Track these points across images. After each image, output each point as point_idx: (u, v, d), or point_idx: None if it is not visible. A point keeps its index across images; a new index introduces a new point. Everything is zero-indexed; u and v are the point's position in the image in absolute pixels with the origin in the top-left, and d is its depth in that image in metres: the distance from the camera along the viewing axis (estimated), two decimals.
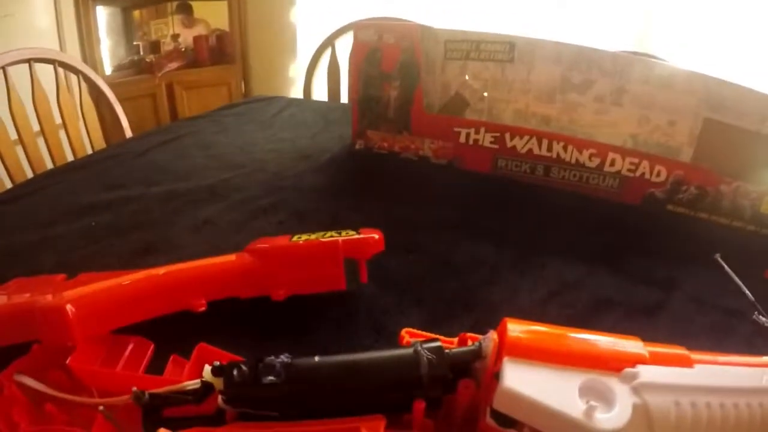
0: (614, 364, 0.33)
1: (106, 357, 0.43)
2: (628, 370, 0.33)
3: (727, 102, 0.62)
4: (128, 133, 1.31)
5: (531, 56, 0.71)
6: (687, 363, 0.34)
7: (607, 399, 0.31)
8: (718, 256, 0.52)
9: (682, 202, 0.67)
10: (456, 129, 0.78)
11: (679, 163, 0.65)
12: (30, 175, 1.11)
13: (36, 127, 1.21)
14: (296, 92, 2.51)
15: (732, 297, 0.49)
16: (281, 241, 0.50)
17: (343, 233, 0.50)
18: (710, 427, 0.31)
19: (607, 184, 0.71)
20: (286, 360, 0.34)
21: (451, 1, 2.07)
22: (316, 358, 0.35)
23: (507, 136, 0.75)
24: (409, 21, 0.84)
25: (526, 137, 0.74)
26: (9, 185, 0.96)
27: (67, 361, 0.40)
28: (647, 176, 0.67)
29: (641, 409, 0.31)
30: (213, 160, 0.86)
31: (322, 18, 2.41)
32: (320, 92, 1.56)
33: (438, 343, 0.35)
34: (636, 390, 0.32)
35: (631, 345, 0.35)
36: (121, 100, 1.34)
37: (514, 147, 0.75)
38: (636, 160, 0.67)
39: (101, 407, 0.35)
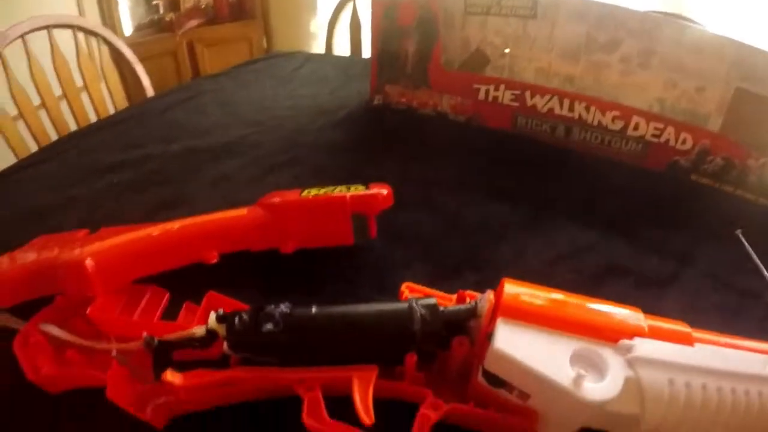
0: (610, 335, 0.33)
1: (125, 305, 0.45)
2: (624, 341, 0.32)
3: (760, 72, 0.59)
4: (150, 93, 1.32)
5: (555, 12, 0.69)
6: (687, 341, 0.33)
7: (599, 369, 0.31)
8: (739, 232, 0.51)
9: (707, 173, 0.65)
10: (475, 86, 0.77)
11: (706, 131, 0.63)
12: (55, 138, 1.13)
13: (58, 92, 1.23)
14: (318, 47, 2.49)
15: (749, 276, 0.47)
16: (291, 195, 0.51)
17: (352, 188, 0.50)
18: (704, 410, 0.31)
19: (630, 149, 0.69)
20: (284, 310, 0.35)
21: None
22: (313, 309, 0.36)
23: (528, 94, 0.73)
24: None
25: (548, 96, 0.72)
26: (35, 149, 0.98)
27: (87, 311, 0.42)
28: (672, 143, 0.65)
29: (633, 383, 0.31)
30: (231, 117, 0.87)
31: None
32: (342, 47, 1.54)
33: (433, 300, 0.36)
34: (630, 363, 0.31)
35: (631, 316, 0.34)
36: (142, 60, 1.34)
37: (534, 106, 0.73)
38: (661, 126, 0.65)
39: (114, 352, 0.37)
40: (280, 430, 0.38)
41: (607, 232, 0.56)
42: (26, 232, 0.53)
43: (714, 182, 0.64)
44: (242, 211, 0.51)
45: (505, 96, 0.75)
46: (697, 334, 0.34)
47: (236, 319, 0.35)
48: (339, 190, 0.50)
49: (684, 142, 0.64)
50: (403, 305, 0.35)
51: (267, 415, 0.38)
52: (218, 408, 0.38)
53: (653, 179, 0.66)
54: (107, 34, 1.30)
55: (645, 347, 0.32)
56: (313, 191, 0.50)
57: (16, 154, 1.10)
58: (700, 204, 0.62)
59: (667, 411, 0.31)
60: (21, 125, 1.15)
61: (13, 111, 1.13)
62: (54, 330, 0.41)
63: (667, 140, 0.66)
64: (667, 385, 0.31)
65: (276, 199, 0.51)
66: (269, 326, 0.34)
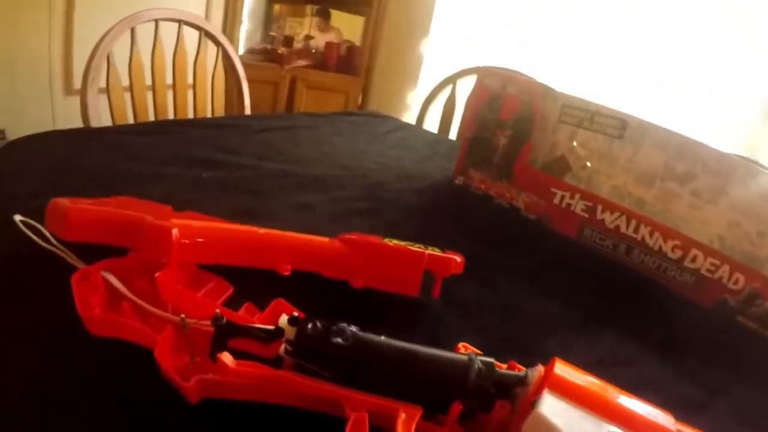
0: (643, 429, 0.34)
1: (188, 285, 0.48)
2: None
3: None
4: (248, 111, 1.40)
5: (641, 137, 0.73)
6: None
7: None
8: None
9: (753, 316, 0.65)
10: (553, 189, 0.81)
11: (760, 275, 0.64)
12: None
13: (169, 81, 1.32)
14: (409, 118, 2.58)
15: None
16: (373, 238, 0.54)
17: (429, 248, 0.53)
18: None
19: (684, 279, 0.70)
20: (355, 330, 0.38)
21: (569, 67, 2.10)
22: (382, 337, 0.38)
23: (599, 207, 0.77)
24: (531, 77, 0.87)
25: (617, 213, 0.75)
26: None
27: (156, 275, 0.44)
28: (724, 281, 0.66)
29: None
30: (323, 156, 0.92)
31: (447, 55, 2.51)
32: (430, 124, 1.61)
33: (491, 360, 0.38)
34: None
35: (664, 418, 0.36)
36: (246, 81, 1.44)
37: (603, 220, 0.76)
38: (717, 262, 0.67)
39: (182, 315, 0.39)
40: None
41: (648, 350, 0.57)
42: (108, 188, 0.57)
43: (760, 327, 0.64)
44: (325, 239, 0.55)
45: (578, 205, 0.79)
46: None
47: (309, 325, 0.38)
48: (418, 247, 0.53)
49: (736, 282, 0.65)
50: (464, 356, 0.38)
51: (298, 427, 0.39)
52: (251, 405, 0.39)
53: (701, 313, 0.67)
54: (227, 45, 1.40)
55: None
56: (394, 241, 0.54)
57: (114, 121, 1.18)
58: (743, 345, 0.63)
59: None
60: (128, 98, 1.24)
61: (125, 82, 1.22)
62: (116, 282, 0.43)
63: (721, 277, 0.67)
64: None
65: (359, 238, 0.54)
66: (339, 340, 0.37)
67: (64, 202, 0.48)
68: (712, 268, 0.67)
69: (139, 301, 0.42)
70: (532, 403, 0.35)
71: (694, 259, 0.69)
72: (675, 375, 0.55)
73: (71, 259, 0.47)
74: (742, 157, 0.65)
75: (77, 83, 1.23)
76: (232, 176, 0.75)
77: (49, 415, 0.36)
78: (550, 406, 0.34)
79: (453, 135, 1.54)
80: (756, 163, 0.65)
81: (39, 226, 0.48)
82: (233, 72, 1.42)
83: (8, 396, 0.37)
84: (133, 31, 1.20)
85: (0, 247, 0.50)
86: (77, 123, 0.86)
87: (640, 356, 0.57)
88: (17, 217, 0.48)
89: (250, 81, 1.45)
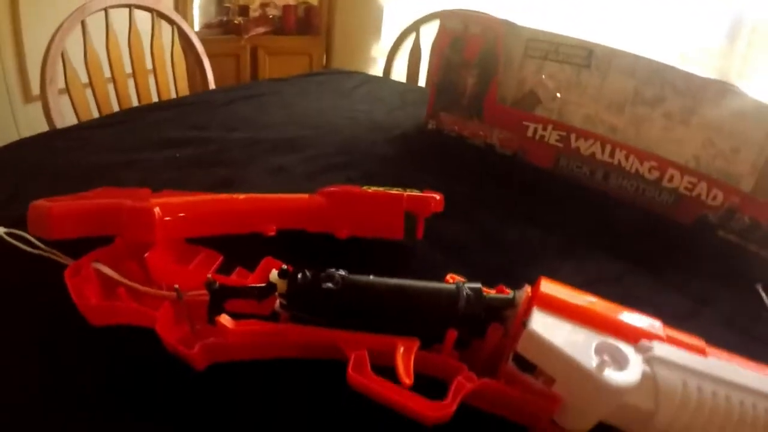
0: (632, 335, 0.36)
1: (179, 261, 0.48)
2: (644, 342, 0.35)
3: None
4: (212, 87, 1.38)
5: (607, 65, 0.73)
6: (701, 353, 0.36)
7: (619, 362, 0.34)
8: (759, 286, 0.54)
9: (733, 230, 0.67)
10: (525, 123, 0.81)
11: (737, 190, 0.65)
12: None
13: (128, 69, 1.29)
14: (376, 72, 2.56)
15: (764, 326, 0.51)
16: (352, 187, 0.55)
17: (408, 190, 0.54)
18: (713, 416, 0.33)
19: (663, 199, 0.72)
20: (344, 273, 0.39)
21: (533, 1, 2.08)
22: (371, 277, 0.39)
23: (573, 136, 0.77)
24: (493, 15, 0.87)
25: (591, 140, 0.76)
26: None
27: (145, 255, 0.45)
28: (703, 198, 0.68)
29: (650, 378, 0.33)
30: (292, 118, 0.91)
31: (407, 4, 2.46)
32: (398, 74, 1.60)
33: (479, 285, 0.39)
34: (648, 361, 0.34)
35: (652, 323, 0.37)
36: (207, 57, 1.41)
37: (578, 148, 0.77)
38: (695, 180, 0.68)
39: (176, 287, 0.40)
40: (319, 390, 0.40)
41: (634, 268, 0.59)
42: (85, 184, 0.56)
43: (740, 240, 0.66)
44: (304, 196, 0.55)
45: (552, 136, 0.79)
46: (711, 349, 0.37)
47: (299, 275, 0.38)
48: (396, 190, 0.54)
49: (714, 198, 0.67)
50: (452, 285, 0.39)
51: (303, 377, 0.40)
52: (257, 363, 0.40)
53: (681, 230, 0.69)
54: (182, 23, 1.37)
55: (663, 349, 0.35)
56: (373, 187, 0.54)
57: (79, 119, 1.15)
58: (724, 257, 0.65)
59: (679, 411, 0.33)
60: (89, 93, 1.21)
61: (84, 78, 1.19)
62: (107, 270, 0.44)
63: (699, 194, 0.68)
64: (680, 386, 0.33)
65: (338, 189, 0.54)
66: (329, 284, 0.38)
67: (42, 203, 0.48)
68: (690, 186, 0.69)
69: (133, 284, 0.43)
70: (523, 322, 0.36)
71: (671, 179, 0.70)
72: (662, 289, 0.57)
73: (60, 258, 0.47)
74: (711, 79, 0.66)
75: (35, 89, 1.20)
76: (204, 151, 0.75)
77: (65, 407, 0.37)
78: (540, 322, 0.35)
79: (422, 83, 1.53)
80: (724, 82, 0.65)
81: (23, 234, 0.48)
82: (192, 50, 1.39)
83: (24, 398, 0.37)
84: (83, 24, 1.16)
85: None
86: (42, 128, 0.84)
87: (627, 274, 0.58)
88: (0, 230, 0.48)
89: (210, 56, 1.42)
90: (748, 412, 0.33)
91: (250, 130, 0.84)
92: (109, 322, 0.42)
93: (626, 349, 0.34)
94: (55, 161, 0.67)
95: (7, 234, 0.48)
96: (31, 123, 1.76)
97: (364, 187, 0.55)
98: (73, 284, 0.42)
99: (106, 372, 0.40)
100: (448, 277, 0.45)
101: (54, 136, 0.76)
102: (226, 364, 0.40)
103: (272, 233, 0.52)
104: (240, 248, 0.49)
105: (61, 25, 1.12)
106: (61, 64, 1.12)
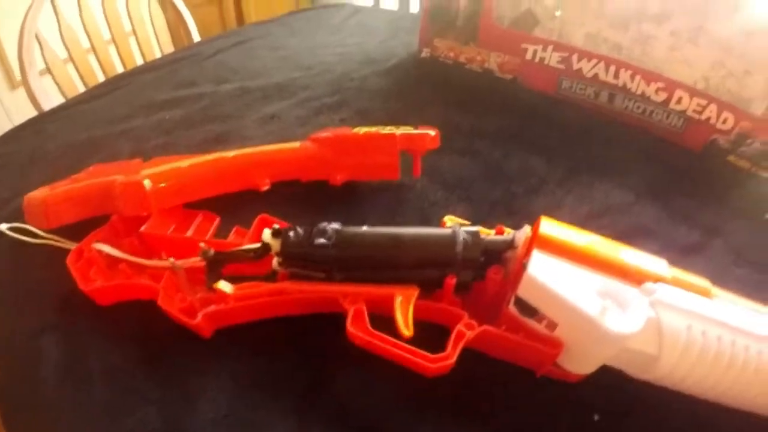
0: (636, 277, 0.34)
1: (176, 228, 0.48)
2: (648, 284, 0.34)
3: None
4: (196, 38, 1.33)
5: None
6: (707, 295, 0.35)
7: (623, 306, 0.33)
8: None
9: (744, 155, 0.64)
10: (524, 45, 0.77)
11: (748, 114, 0.62)
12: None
13: (107, 36, 1.25)
14: (364, 2, 2.47)
15: None
16: (343, 131, 0.53)
17: (401, 128, 0.52)
18: (717, 361, 0.32)
19: (671, 123, 0.68)
20: (337, 227, 0.38)
21: None
22: (364, 228, 0.38)
23: (575, 57, 0.73)
24: None
25: (594, 61, 0.72)
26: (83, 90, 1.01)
27: (141, 229, 0.45)
28: (713, 121, 0.64)
29: (654, 323, 0.32)
30: (282, 61, 0.88)
31: None
32: (390, 2, 1.54)
33: (475, 228, 0.38)
34: (652, 304, 0.33)
35: (656, 263, 0.36)
36: (187, 8, 1.35)
37: (580, 70, 0.73)
38: (704, 102, 0.64)
39: (171, 259, 0.40)
40: (320, 345, 0.40)
41: (641, 197, 0.57)
42: (80, 162, 0.56)
43: (751, 166, 0.63)
44: (295, 144, 0.53)
45: (552, 58, 0.75)
46: (717, 290, 0.36)
47: (291, 233, 0.38)
48: (389, 129, 0.52)
49: (725, 121, 0.63)
50: (448, 230, 0.38)
51: (308, 331, 0.41)
52: (262, 322, 0.41)
53: (690, 156, 0.66)
54: None
55: (667, 292, 0.34)
56: (364, 129, 0.52)
57: (65, 98, 1.12)
58: (734, 184, 0.62)
59: (683, 356, 0.32)
60: (71, 69, 1.17)
61: (63, 54, 1.15)
62: (107, 248, 0.44)
63: (709, 118, 0.65)
64: (685, 330, 0.32)
65: (328, 134, 0.53)
66: (322, 240, 0.37)
67: (35, 195, 0.48)
68: (699, 108, 0.65)
69: (132, 258, 0.43)
70: (523, 264, 0.34)
71: (679, 101, 0.66)
72: (670, 219, 0.55)
73: (64, 243, 0.47)
74: None
75: (18, 74, 1.16)
76: (194, 109, 0.73)
77: (91, 389, 0.38)
78: (540, 265, 0.34)
79: (415, 9, 1.47)
80: None
81: (24, 226, 0.48)
82: (170, 4, 1.33)
83: (45, 388, 0.38)
84: (52, 0, 1.13)
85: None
86: (31, 113, 0.83)
87: (634, 203, 0.56)
88: (2, 226, 0.48)
89: (191, 7, 1.36)
90: (752, 357, 0.32)
91: (239, 79, 0.81)
92: (117, 300, 0.43)
93: (630, 292, 0.33)
94: (46, 146, 0.66)
95: (9, 228, 0.48)
96: (21, 109, 1.72)
97: (356, 129, 0.53)
98: (76, 268, 0.43)
99: (120, 348, 0.41)
100: (446, 219, 0.44)
101: (42, 120, 0.74)
102: (233, 328, 0.40)
103: (267, 187, 0.51)
104: (236, 206, 0.49)
105: (30, 6, 1.08)
106: (37, 45, 1.08)
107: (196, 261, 0.41)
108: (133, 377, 0.39)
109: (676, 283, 0.35)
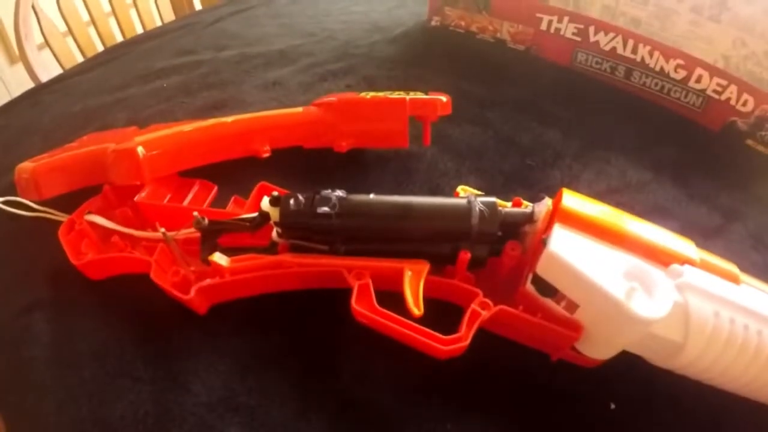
0: (664, 258, 0.32)
1: (172, 197, 0.46)
2: (676, 266, 0.32)
3: None
4: (198, 8, 1.30)
5: None
6: (735, 281, 0.33)
7: (649, 288, 0.30)
8: None
9: (763, 140, 0.61)
10: (538, 15, 0.74)
11: None
12: None
13: (107, 8, 1.21)
14: None
15: None
16: (349, 95, 0.50)
17: (411, 93, 0.50)
18: (743, 350, 0.30)
19: (689, 101, 0.66)
20: (341, 194, 0.35)
21: None
22: (371, 196, 0.35)
23: (591, 29, 0.70)
24: None
25: (611, 34, 0.69)
26: None
27: (135, 198, 0.43)
28: (733, 102, 0.62)
29: (681, 308, 0.30)
30: (284, 28, 0.85)
31: None
32: None
33: (493, 199, 0.35)
34: (680, 288, 0.31)
35: (684, 245, 0.34)
36: None
37: (597, 42, 0.70)
38: (724, 83, 0.62)
39: (162, 230, 0.37)
40: (323, 323, 0.38)
41: (659, 175, 0.55)
42: (74, 133, 0.54)
43: None
44: (298, 109, 0.51)
45: (568, 29, 0.72)
46: (745, 276, 0.34)
47: (291, 201, 0.35)
48: (398, 94, 0.49)
49: (745, 103, 0.61)
50: (463, 200, 0.35)
51: (310, 308, 0.38)
52: (260, 298, 0.38)
53: (708, 136, 0.64)
54: None
55: (695, 275, 0.31)
56: (372, 93, 0.50)
57: (65, 71, 1.09)
58: (752, 169, 0.60)
59: (709, 344, 0.30)
60: (70, 41, 1.14)
61: (62, 27, 1.12)
62: (99, 220, 0.42)
63: (729, 99, 0.62)
64: (712, 316, 0.30)
65: (333, 99, 0.50)
66: (325, 208, 0.34)
67: (26, 165, 0.46)
68: (719, 89, 0.62)
69: (127, 230, 0.42)
70: (543, 240, 0.32)
71: (699, 80, 0.64)
72: (688, 199, 0.53)
73: (57, 216, 0.45)
74: None
75: (17, 49, 1.13)
76: (193, 76, 0.70)
77: (81, 370, 0.36)
78: (562, 242, 0.31)
79: None
80: None
81: (18, 199, 0.46)
82: None
83: (36, 367, 0.37)
84: None
85: None
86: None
87: (651, 182, 0.54)
88: None
89: None
90: None
91: (240, 46, 0.79)
92: (109, 275, 0.41)
93: (657, 274, 0.31)
94: (41, 118, 0.63)
95: (3, 202, 0.46)
96: (22, 83, 1.69)
97: (363, 94, 0.50)
98: (67, 241, 0.40)
99: (112, 326, 0.39)
100: (459, 189, 0.41)
101: (38, 92, 0.72)
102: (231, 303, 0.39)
103: (267, 154, 0.48)
104: (234, 174, 0.47)
105: None
106: (34, 17, 1.05)
107: (189, 232, 0.39)
108: (124, 358, 0.37)
109: (704, 266, 0.32)
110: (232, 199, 0.45)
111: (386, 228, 0.35)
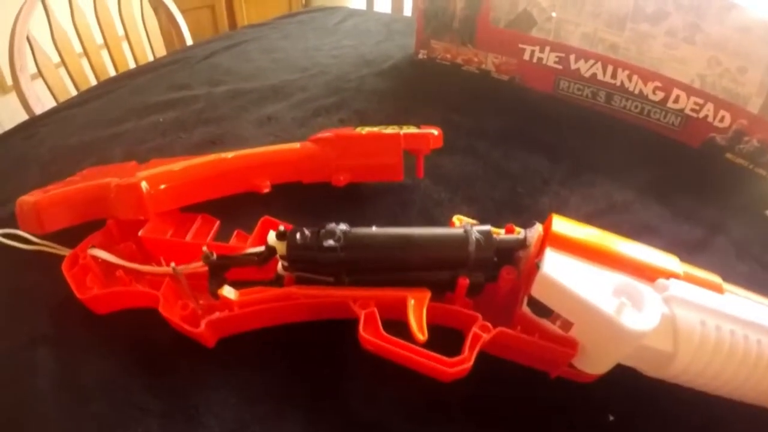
0: (649, 273, 0.34)
1: (175, 232, 0.46)
2: (661, 281, 0.34)
3: None
4: (189, 43, 1.32)
5: None
6: (718, 290, 0.35)
7: (637, 303, 0.32)
8: None
9: (741, 153, 0.64)
10: (521, 45, 0.77)
11: (745, 111, 0.62)
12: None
13: (100, 40, 1.23)
14: (359, 4, 2.46)
15: None
16: (345, 130, 0.52)
17: (404, 128, 0.51)
18: (731, 355, 0.32)
19: (669, 121, 0.68)
20: (345, 228, 0.36)
21: None
22: (374, 228, 0.37)
23: (572, 57, 0.73)
24: None
25: (592, 61, 0.72)
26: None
27: (139, 233, 0.43)
28: (710, 119, 0.65)
29: (669, 320, 0.32)
30: (277, 63, 0.87)
31: None
32: (383, 5, 1.53)
33: (488, 227, 0.37)
34: (667, 301, 0.32)
35: (668, 260, 0.36)
36: (180, 12, 1.34)
37: (578, 70, 0.73)
38: (701, 101, 0.65)
39: (172, 263, 0.38)
40: (329, 350, 0.39)
41: (643, 195, 0.57)
42: (74, 165, 0.55)
43: (748, 163, 0.63)
44: (295, 145, 0.52)
45: (550, 58, 0.75)
46: (728, 286, 0.36)
47: (298, 235, 0.36)
48: (392, 129, 0.51)
49: (722, 119, 0.64)
50: (459, 230, 0.37)
51: (315, 335, 0.39)
52: (267, 331, 0.39)
53: (689, 153, 0.66)
54: None
55: (680, 288, 0.33)
56: (366, 128, 0.51)
57: (57, 101, 1.10)
58: (733, 182, 0.62)
59: (698, 352, 0.32)
60: (63, 73, 1.15)
61: (55, 58, 1.13)
62: (103, 254, 0.42)
63: (706, 116, 0.65)
64: (699, 325, 0.32)
65: (330, 134, 0.51)
66: (330, 242, 0.35)
67: (27, 198, 0.46)
68: (696, 107, 0.65)
69: (132, 265, 0.42)
70: (536, 263, 0.34)
71: (677, 100, 0.67)
72: (672, 216, 0.55)
73: (58, 249, 0.45)
74: None
75: (10, 78, 1.13)
76: (189, 111, 0.72)
77: (88, 403, 0.36)
78: (553, 264, 0.33)
79: (408, 12, 1.47)
80: None
81: (17, 232, 0.46)
82: (163, 8, 1.31)
83: (43, 401, 0.37)
84: (44, 2, 1.09)
85: None
86: (23, 118, 0.81)
87: (635, 201, 0.57)
88: None
89: (183, 12, 1.35)
90: (765, 351, 0.32)
91: (234, 81, 0.80)
92: (114, 309, 0.41)
93: (644, 289, 0.33)
94: (39, 150, 0.64)
95: (2, 235, 0.47)
96: (13, 114, 1.70)
97: (358, 129, 0.52)
98: (72, 275, 0.41)
99: (118, 358, 0.39)
100: (455, 219, 0.43)
101: (34, 124, 0.72)
102: (239, 337, 0.39)
103: (267, 189, 0.49)
104: (236, 209, 0.48)
105: (21, 8, 1.06)
106: (28, 48, 1.06)
107: (198, 266, 0.40)
108: (131, 390, 0.37)
109: (688, 279, 0.34)
110: (235, 233, 0.45)
111: (389, 258, 0.36)
